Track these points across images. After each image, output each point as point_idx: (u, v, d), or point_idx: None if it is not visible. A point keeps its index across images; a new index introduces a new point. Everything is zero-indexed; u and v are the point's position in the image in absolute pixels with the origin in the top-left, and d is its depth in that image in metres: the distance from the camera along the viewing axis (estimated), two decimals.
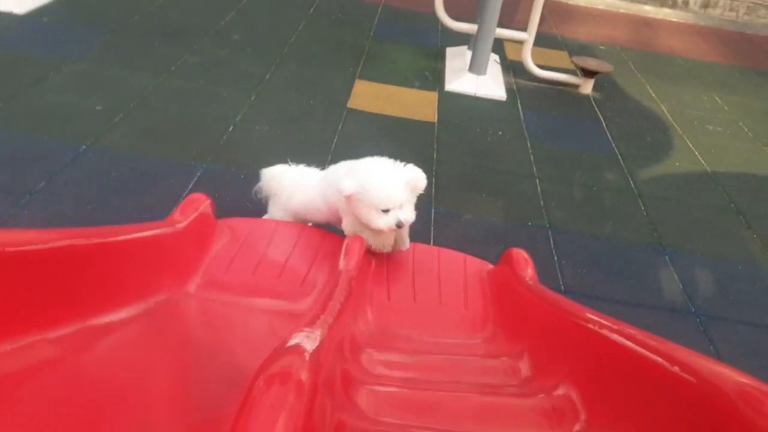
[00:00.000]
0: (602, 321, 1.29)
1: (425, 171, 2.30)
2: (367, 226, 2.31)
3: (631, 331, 1.15)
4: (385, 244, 2.45)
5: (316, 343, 1.02)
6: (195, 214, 2.09)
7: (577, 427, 1.16)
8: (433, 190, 3.44)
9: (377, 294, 2.32)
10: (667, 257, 3.20)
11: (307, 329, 1.09)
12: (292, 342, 1.02)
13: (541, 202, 3.49)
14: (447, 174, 3.62)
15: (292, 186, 2.68)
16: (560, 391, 1.30)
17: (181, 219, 2.06)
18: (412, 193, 2.28)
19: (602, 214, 3.48)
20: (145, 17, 5.03)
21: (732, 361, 2.61)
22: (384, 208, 2.22)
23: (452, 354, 1.84)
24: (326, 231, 2.65)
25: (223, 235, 2.38)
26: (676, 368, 0.95)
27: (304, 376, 0.86)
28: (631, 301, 2.86)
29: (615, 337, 1.19)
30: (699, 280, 3.08)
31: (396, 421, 1.23)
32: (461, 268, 2.55)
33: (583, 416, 1.17)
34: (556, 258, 3.06)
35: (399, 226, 2.23)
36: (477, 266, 2.58)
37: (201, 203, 2.21)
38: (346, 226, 2.47)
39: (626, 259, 3.13)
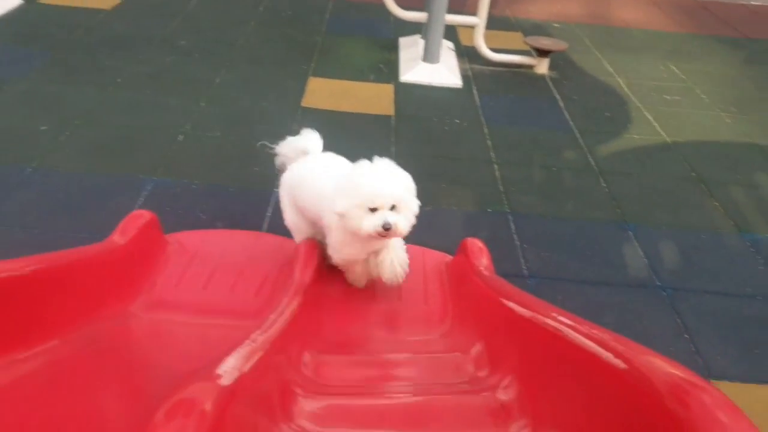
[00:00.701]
0: (543, 309, 1.26)
1: None
2: (352, 239, 2.07)
3: (568, 319, 1.12)
4: (365, 273, 2.23)
5: (237, 368, 0.97)
6: (134, 233, 2.02)
7: (521, 422, 1.12)
8: None
9: (335, 297, 2.27)
10: (630, 232, 3.18)
11: (233, 353, 1.04)
12: (217, 368, 0.97)
13: (501, 188, 3.45)
14: (406, 167, 3.48)
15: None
16: (506, 386, 1.27)
17: (121, 239, 1.99)
18: (410, 199, 2.04)
19: (563, 194, 3.45)
20: (89, 31, 4.90)
21: (699, 331, 2.60)
22: (371, 204, 1.94)
23: (408, 352, 1.80)
24: (285, 238, 2.59)
25: (172, 250, 2.31)
26: (609, 355, 0.92)
27: (208, 405, 0.81)
28: (596, 280, 2.84)
29: (553, 324, 1.16)
30: (663, 252, 3.06)
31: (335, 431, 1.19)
32: (420, 262, 2.51)
33: (527, 411, 1.14)
34: (518, 243, 3.03)
35: (386, 228, 1.92)
36: (436, 259, 2.54)
37: (143, 220, 2.14)
38: (332, 244, 2.20)
39: (589, 238, 3.11)
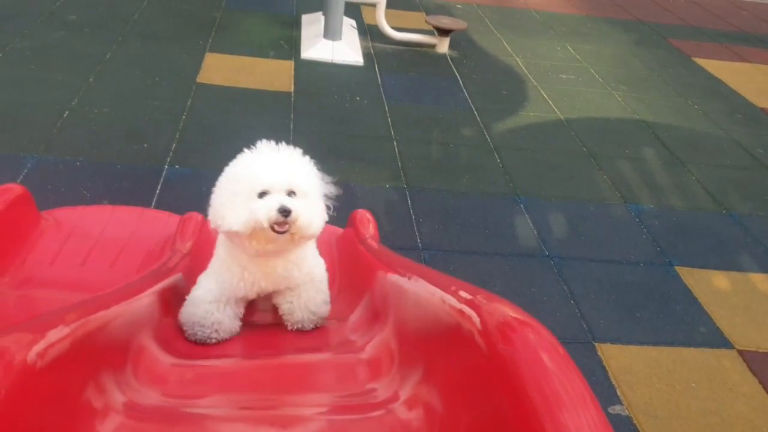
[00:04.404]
0: (405, 268, 1.27)
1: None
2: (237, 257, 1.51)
3: (424, 272, 1.14)
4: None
5: (67, 325, 0.93)
6: (0, 207, 1.91)
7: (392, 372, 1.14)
8: None
9: None
10: (522, 205, 3.26)
11: (67, 311, 1.00)
12: (44, 323, 0.93)
13: (399, 164, 3.47)
14: (304, 143, 3.46)
15: None
16: (376, 345, 1.28)
17: None
18: (314, 188, 1.51)
19: (459, 170, 3.51)
20: None
21: (583, 297, 2.70)
22: (260, 188, 1.39)
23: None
24: (170, 213, 2.51)
25: (47, 226, 2.20)
26: (450, 298, 0.93)
27: (20, 357, 0.79)
28: (488, 251, 2.90)
29: (409, 279, 1.18)
30: (552, 224, 3.16)
31: (187, 395, 1.17)
32: None
33: (393, 361, 1.16)
34: (413, 217, 3.06)
35: (284, 214, 1.37)
36: (327, 231, 2.52)
37: (12, 194, 2.02)
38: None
39: (482, 212, 3.17)
